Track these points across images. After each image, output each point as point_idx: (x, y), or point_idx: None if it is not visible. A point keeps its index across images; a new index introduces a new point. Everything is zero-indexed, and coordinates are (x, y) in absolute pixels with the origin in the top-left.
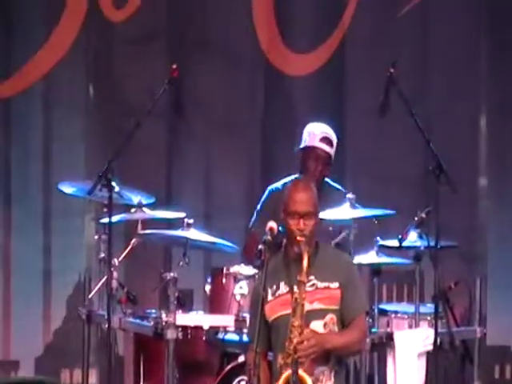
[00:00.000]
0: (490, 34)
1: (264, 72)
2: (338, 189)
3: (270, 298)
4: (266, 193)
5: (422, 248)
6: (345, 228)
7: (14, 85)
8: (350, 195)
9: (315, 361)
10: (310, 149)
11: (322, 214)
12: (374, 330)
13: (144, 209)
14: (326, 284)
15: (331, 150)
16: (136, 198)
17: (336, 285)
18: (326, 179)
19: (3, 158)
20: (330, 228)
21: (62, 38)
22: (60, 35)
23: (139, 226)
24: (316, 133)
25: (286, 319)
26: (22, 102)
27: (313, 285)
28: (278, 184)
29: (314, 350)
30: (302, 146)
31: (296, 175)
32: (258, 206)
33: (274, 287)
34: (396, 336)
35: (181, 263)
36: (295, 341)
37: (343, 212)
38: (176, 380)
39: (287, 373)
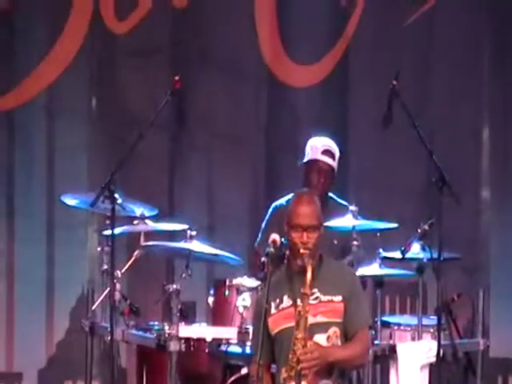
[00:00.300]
0: (493, 45)
1: (267, 83)
2: (342, 204)
3: (273, 311)
4: (271, 210)
5: (425, 260)
6: (350, 243)
7: (17, 97)
8: (352, 207)
9: (318, 374)
10: (313, 162)
11: (328, 224)
12: (376, 342)
13: (147, 220)
14: (329, 297)
15: (334, 163)
16: (139, 210)
17: (339, 298)
18: (330, 194)
19: (7, 170)
20: (335, 241)
21: (65, 49)
22: (63, 47)
23: (142, 238)
24: (318, 146)
25: (289, 332)
26: (25, 114)
27: (316, 298)
28: (283, 200)
29: (317, 363)
30: (304, 160)
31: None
32: (263, 225)
33: (278, 300)
34: (399, 348)
35: (183, 275)
36: (298, 353)
37: (346, 222)
38: None
39: None
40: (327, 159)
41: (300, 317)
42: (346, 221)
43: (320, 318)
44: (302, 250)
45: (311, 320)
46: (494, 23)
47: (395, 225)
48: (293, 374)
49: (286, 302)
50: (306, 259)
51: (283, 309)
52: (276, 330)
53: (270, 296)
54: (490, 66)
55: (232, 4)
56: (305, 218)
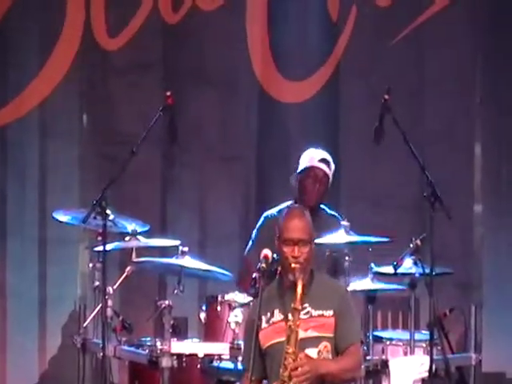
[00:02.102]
0: (486, 60)
1: (258, 99)
2: (334, 216)
3: (264, 325)
4: (262, 219)
5: (417, 275)
6: (342, 256)
7: (9, 113)
8: (344, 222)
9: None
10: (309, 169)
11: (318, 240)
12: (368, 357)
13: (138, 237)
14: (320, 312)
15: (329, 172)
16: (130, 226)
17: (330, 313)
18: (322, 206)
19: None
20: (327, 253)
21: (57, 66)
22: (54, 64)
23: (134, 254)
24: (315, 156)
25: (280, 346)
26: (17, 131)
27: (307, 312)
28: (274, 210)
29: (308, 377)
30: (300, 168)
31: (291, 201)
32: (253, 234)
33: (269, 314)
34: (391, 363)
35: (175, 291)
36: (289, 368)
37: (338, 237)
38: None
39: None
40: (324, 167)
41: (291, 331)
42: (338, 237)
43: (311, 333)
44: (293, 265)
45: (302, 334)
46: (487, 39)
47: (386, 239)
48: None
49: (277, 316)
50: (297, 274)
51: (274, 323)
52: (267, 345)
53: (261, 311)
54: (483, 81)
55: (224, 20)
56: (296, 232)
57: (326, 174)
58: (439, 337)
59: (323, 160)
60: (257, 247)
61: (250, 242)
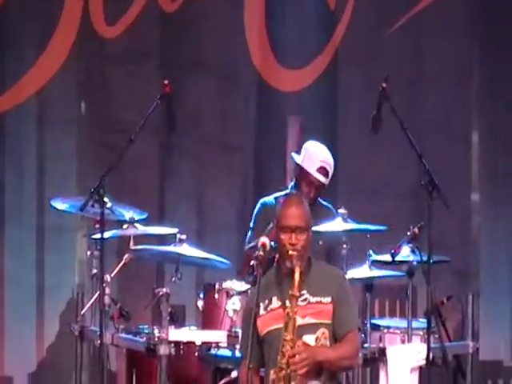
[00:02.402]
0: (483, 49)
1: (257, 88)
2: (328, 207)
3: (262, 312)
4: (258, 206)
5: (415, 263)
6: (337, 244)
7: (7, 102)
8: (342, 210)
9: (307, 375)
10: (306, 174)
11: (316, 228)
12: (366, 345)
13: (136, 224)
14: (318, 299)
15: (326, 181)
16: (128, 214)
17: (328, 299)
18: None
19: None
20: (320, 242)
21: (55, 54)
22: (52, 52)
23: (131, 242)
24: (314, 159)
25: (278, 333)
26: (14, 119)
27: (305, 299)
28: (271, 197)
29: (305, 364)
30: (299, 162)
31: (287, 190)
32: (251, 223)
33: (266, 301)
34: (388, 351)
35: (173, 279)
36: (287, 355)
37: (336, 225)
38: None
39: None
40: (320, 177)
41: (288, 318)
42: (335, 224)
43: (309, 320)
44: (290, 252)
45: (300, 321)
46: (483, 29)
47: (384, 227)
48: (281, 376)
49: (275, 303)
50: (295, 261)
51: (272, 310)
52: (265, 332)
53: (259, 298)
54: (480, 70)
55: (222, 9)
56: (293, 219)
57: (321, 183)
58: (436, 325)
59: (322, 169)
60: (256, 235)
61: (249, 233)
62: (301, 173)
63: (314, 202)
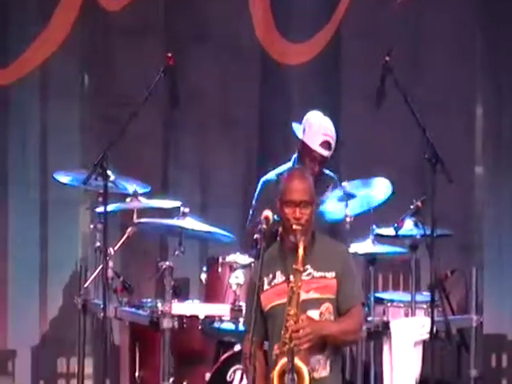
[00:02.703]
0: (486, 26)
1: (260, 61)
2: (331, 176)
3: (266, 286)
4: (260, 185)
5: (418, 236)
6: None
7: (11, 74)
8: (345, 183)
9: (311, 350)
10: (309, 149)
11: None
12: (370, 318)
13: (139, 198)
14: (322, 273)
15: (329, 153)
16: (131, 187)
17: (332, 274)
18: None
19: (0, 147)
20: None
21: (58, 27)
22: (56, 25)
23: (135, 215)
24: (317, 134)
25: (281, 308)
26: (18, 92)
27: (309, 274)
28: (272, 174)
29: (309, 338)
30: (301, 136)
31: (289, 164)
32: (254, 202)
33: (271, 276)
34: (392, 325)
35: (176, 252)
36: (291, 329)
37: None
38: (172, 369)
39: (283, 361)
40: (324, 152)
41: (292, 293)
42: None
43: (313, 294)
44: (294, 226)
45: (304, 296)
46: (486, 2)
47: (388, 196)
48: (285, 350)
49: (279, 277)
50: (299, 235)
51: (276, 285)
52: (268, 306)
53: (262, 272)
54: (484, 44)
55: None
56: (297, 193)
57: (325, 157)
58: (440, 298)
59: (325, 144)
60: (258, 213)
61: (251, 212)
62: (304, 148)
63: (319, 174)
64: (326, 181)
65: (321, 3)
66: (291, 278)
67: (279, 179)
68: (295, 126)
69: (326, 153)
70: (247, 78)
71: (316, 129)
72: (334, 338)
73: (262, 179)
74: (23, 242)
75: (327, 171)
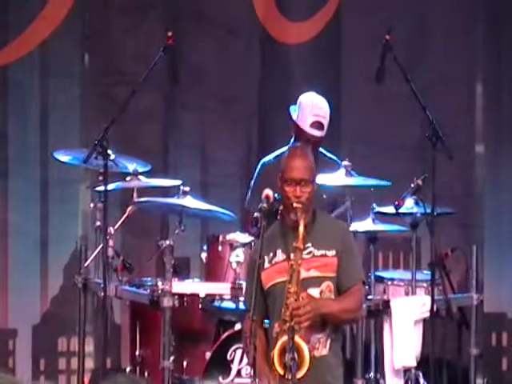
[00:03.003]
0: (488, 3)
1: (260, 40)
2: (331, 158)
3: (266, 265)
4: (259, 167)
5: (419, 215)
6: (341, 198)
7: (11, 53)
8: (346, 162)
9: (311, 328)
10: (302, 131)
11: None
12: (370, 297)
13: (140, 177)
14: (322, 252)
15: (322, 133)
16: (131, 166)
17: (333, 252)
18: (320, 149)
19: (0, 127)
20: (324, 196)
21: (58, 6)
22: (56, 3)
23: (135, 194)
24: (307, 115)
25: (282, 286)
26: (18, 71)
27: (309, 252)
28: (271, 156)
29: (310, 316)
30: (294, 118)
31: (287, 147)
32: (252, 183)
33: (271, 254)
34: (393, 303)
35: (176, 231)
36: (291, 307)
37: (338, 179)
38: (172, 348)
39: (283, 339)
40: (315, 132)
41: (293, 271)
42: (338, 177)
43: (313, 273)
44: (295, 204)
45: (304, 274)
46: None
47: (388, 182)
48: (286, 329)
49: (280, 256)
50: (299, 213)
51: (276, 263)
52: (269, 285)
53: (263, 251)
54: (485, 22)
55: None
56: (298, 171)
57: (317, 138)
58: (441, 277)
59: (315, 124)
60: (256, 196)
61: (249, 192)
62: (297, 130)
63: (316, 155)
64: (326, 163)
65: None
66: (292, 256)
67: (277, 160)
68: (292, 108)
69: (317, 133)
70: (247, 55)
71: (307, 110)
72: (334, 316)
73: (261, 161)
74: (24, 221)
75: (327, 153)
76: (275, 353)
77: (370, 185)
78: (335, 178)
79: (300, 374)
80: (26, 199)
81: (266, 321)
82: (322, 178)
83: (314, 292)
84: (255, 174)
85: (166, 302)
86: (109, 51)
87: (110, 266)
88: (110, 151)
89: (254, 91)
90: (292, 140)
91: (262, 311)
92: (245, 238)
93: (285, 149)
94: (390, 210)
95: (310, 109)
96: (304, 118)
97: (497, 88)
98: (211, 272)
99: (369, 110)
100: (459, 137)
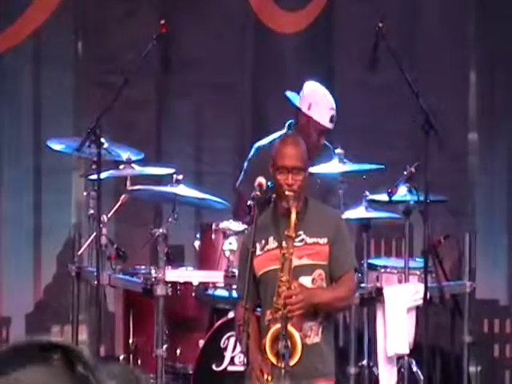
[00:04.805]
0: None
1: (253, 29)
2: (325, 145)
3: (258, 252)
4: (253, 150)
5: (412, 202)
6: (334, 184)
7: (3, 42)
8: (339, 150)
9: (303, 316)
10: (317, 124)
11: (312, 169)
12: (363, 284)
13: (133, 165)
14: (314, 239)
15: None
16: (125, 154)
17: (325, 240)
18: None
19: None
20: (318, 180)
21: None
22: None
23: (128, 183)
24: (325, 110)
25: (274, 274)
26: (11, 59)
27: (301, 240)
28: (265, 141)
29: (301, 305)
30: (306, 111)
31: (282, 131)
32: (245, 165)
33: (263, 242)
34: (385, 291)
35: (170, 219)
36: (283, 296)
37: (332, 167)
38: (165, 336)
39: (275, 327)
40: (331, 126)
41: (284, 259)
42: (331, 166)
43: (305, 261)
44: (287, 192)
45: (296, 262)
46: None
47: (382, 166)
48: (278, 316)
49: (272, 243)
50: (291, 201)
51: (268, 250)
52: (261, 272)
53: (255, 238)
54: (478, 9)
55: None
56: (290, 159)
57: (329, 130)
58: (434, 264)
59: (332, 118)
60: (249, 179)
61: (242, 173)
62: (309, 122)
63: (322, 147)
64: (323, 151)
65: None
66: (283, 244)
67: (272, 145)
68: (291, 94)
69: (332, 126)
70: (240, 45)
71: (324, 104)
72: (326, 305)
73: (255, 145)
74: (17, 210)
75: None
76: (267, 341)
77: (364, 169)
78: (329, 166)
79: (292, 362)
80: (19, 188)
81: (258, 309)
82: (317, 167)
83: (306, 280)
84: (249, 157)
85: (160, 291)
86: (102, 40)
87: (104, 254)
88: (103, 140)
89: (247, 79)
90: (290, 123)
91: (254, 298)
92: (238, 226)
93: (280, 133)
94: (383, 197)
95: (327, 103)
96: (322, 113)
97: (490, 76)
98: (204, 260)
99: (362, 98)
100: (452, 124)
